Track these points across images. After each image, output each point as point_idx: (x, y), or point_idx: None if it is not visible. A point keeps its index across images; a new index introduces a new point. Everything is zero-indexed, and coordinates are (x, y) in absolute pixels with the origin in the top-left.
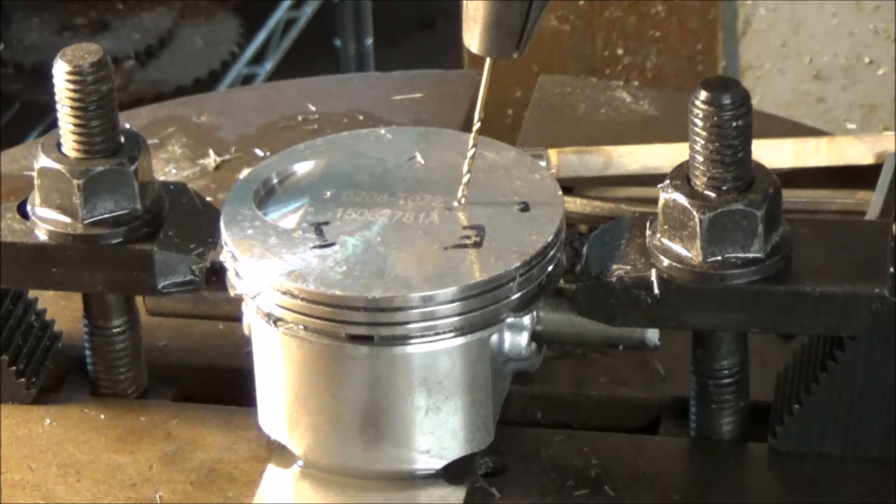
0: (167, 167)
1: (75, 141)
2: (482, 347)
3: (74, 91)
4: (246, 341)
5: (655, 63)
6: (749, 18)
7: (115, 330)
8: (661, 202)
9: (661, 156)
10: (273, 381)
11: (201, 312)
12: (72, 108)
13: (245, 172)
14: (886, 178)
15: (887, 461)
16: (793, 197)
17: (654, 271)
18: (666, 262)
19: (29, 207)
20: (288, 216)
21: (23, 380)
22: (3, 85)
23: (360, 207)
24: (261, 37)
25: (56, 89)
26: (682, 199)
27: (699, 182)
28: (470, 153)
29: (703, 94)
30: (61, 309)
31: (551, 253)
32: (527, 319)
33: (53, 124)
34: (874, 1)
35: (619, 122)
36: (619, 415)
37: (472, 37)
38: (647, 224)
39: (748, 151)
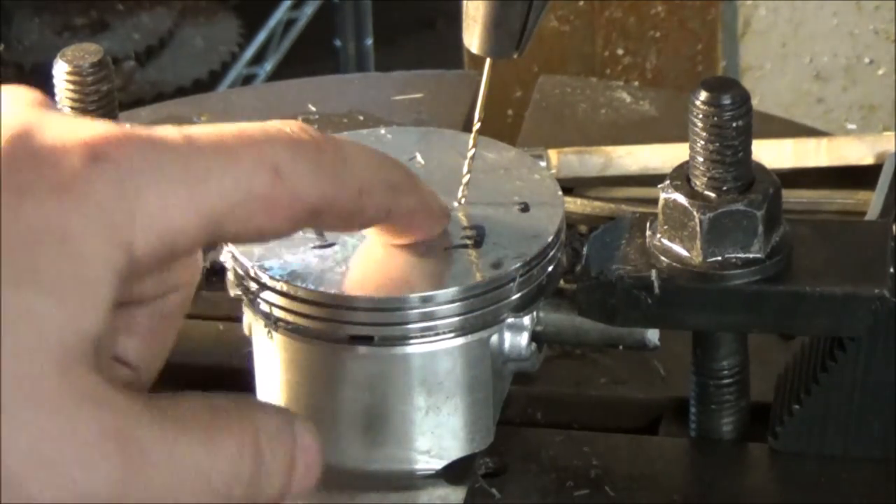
0: None
1: None
2: (482, 348)
3: (74, 91)
4: (246, 341)
5: (655, 63)
6: (749, 19)
7: None
8: (661, 202)
9: (661, 156)
10: (273, 382)
11: (201, 312)
12: (72, 108)
13: None
14: (886, 178)
15: (887, 461)
16: (793, 197)
17: (654, 271)
18: (666, 262)
19: None
20: None
21: None
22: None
23: None
24: (261, 37)
25: (56, 89)
26: (682, 199)
27: (699, 182)
28: (470, 153)
29: (703, 94)
30: None
31: (551, 253)
32: (527, 320)
33: None
34: (874, 1)
35: (619, 122)
36: (619, 415)
37: (472, 37)
38: (647, 224)
39: (748, 152)
